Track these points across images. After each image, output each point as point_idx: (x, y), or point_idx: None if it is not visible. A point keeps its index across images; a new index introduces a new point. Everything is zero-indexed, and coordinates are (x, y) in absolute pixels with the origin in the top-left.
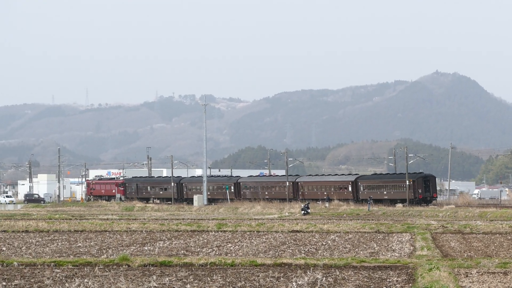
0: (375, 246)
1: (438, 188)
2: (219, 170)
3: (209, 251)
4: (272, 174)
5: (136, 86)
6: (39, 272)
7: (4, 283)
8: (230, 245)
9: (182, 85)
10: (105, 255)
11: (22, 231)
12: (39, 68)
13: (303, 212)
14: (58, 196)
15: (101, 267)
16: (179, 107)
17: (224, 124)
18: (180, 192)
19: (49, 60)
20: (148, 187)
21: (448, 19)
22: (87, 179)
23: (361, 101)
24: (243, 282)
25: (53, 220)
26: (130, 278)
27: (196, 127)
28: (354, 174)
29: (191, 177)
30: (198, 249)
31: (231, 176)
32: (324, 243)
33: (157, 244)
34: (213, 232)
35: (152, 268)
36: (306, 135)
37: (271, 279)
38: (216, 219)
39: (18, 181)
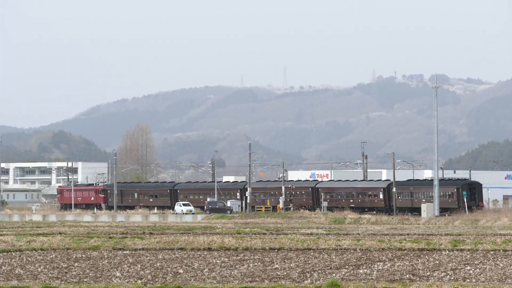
0: None
1: None
2: (454, 172)
3: (442, 275)
4: None
5: (347, 64)
6: None
7: None
8: (468, 267)
9: (406, 63)
10: (309, 280)
11: (204, 249)
12: (225, 45)
13: None
14: (248, 204)
15: None
16: (403, 91)
17: (460, 113)
18: (175, 199)
19: (237, 38)
20: (136, 194)
21: None
22: (59, 185)
23: None
24: None
25: (242, 235)
26: None
27: (424, 116)
28: None
29: (186, 182)
30: (428, 273)
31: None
32: None
33: (375, 266)
34: (447, 251)
35: None
36: None
37: None
38: (450, 235)
39: None
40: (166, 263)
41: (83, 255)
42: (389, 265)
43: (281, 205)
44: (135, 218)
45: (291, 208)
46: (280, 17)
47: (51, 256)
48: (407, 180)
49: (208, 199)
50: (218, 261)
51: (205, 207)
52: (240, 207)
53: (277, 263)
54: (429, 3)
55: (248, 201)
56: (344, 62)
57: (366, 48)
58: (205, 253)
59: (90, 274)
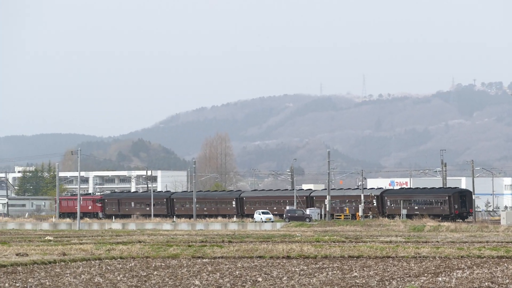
0: None
1: None
2: None
3: None
4: None
5: (426, 72)
6: None
7: None
8: None
9: (485, 70)
10: None
11: (283, 257)
12: (305, 54)
13: None
14: (328, 212)
15: None
16: (482, 98)
17: None
18: (171, 208)
19: (316, 47)
20: (132, 203)
21: None
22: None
23: None
24: None
25: (321, 243)
26: None
27: (503, 123)
28: None
29: (183, 192)
30: (507, 280)
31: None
32: None
33: (454, 273)
34: None
35: None
36: None
37: None
38: None
39: None
40: (245, 271)
41: (162, 264)
42: (468, 273)
43: (360, 213)
44: (214, 227)
45: (370, 216)
46: (359, 26)
47: (130, 265)
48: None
49: (287, 207)
50: (297, 269)
51: (284, 215)
52: (319, 215)
53: (356, 271)
54: (505, 11)
55: (327, 209)
56: (423, 70)
57: (445, 56)
58: (284, 261)
59: (169, 283)
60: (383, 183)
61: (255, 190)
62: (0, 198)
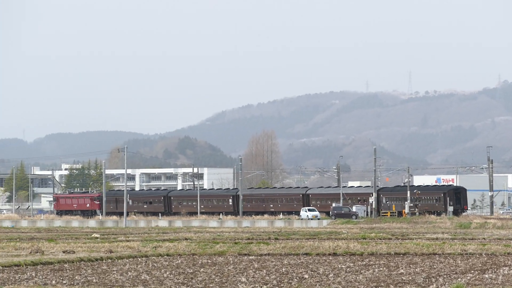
0: None
1: None
2: None
3: None
4: None
5: (472, 69)
6: None
7: None
8: None
9: None
10: (434, 285)
11: (329, 254)
12: (351, 52)
13: None
14: (374, 209)
15: None
16: None
17: None
18: (168, 206)
19: (362, 45)
20: (130, 201)
21: None
22: (55, 193)
23: None
24: None
25: (367, 240)
26: None
27: None
28: None
29: (180, 190)
30: None
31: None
32: None
33: (501, 270)
34: None
35: None
36: None
37: None
38: None
39: None
40: (291, 268)
41: (209, 261)
42: None
43: (406, 210)
44: (261, 224)
45: (416, 213)
46: (406, 24)
47: (177, 262)
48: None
49: (334, 205)
50: (343, 266)
51: (330, 212)
52: (365, 212)
53: (402, 268)
54: None
55: (373, 206)
56: (469, 67)
57: (492, 53)
58: (330, 258)
59: (216, 280)
60: (429, 180)
61: (251, 188)
62: (47, 195)
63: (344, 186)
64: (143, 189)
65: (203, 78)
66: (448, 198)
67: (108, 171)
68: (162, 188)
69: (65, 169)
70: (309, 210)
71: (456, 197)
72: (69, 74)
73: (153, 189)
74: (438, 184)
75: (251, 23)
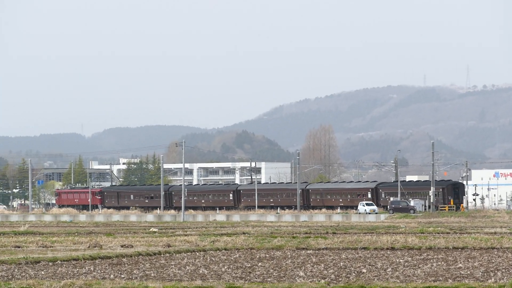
0: None
1: None
2: None
3: None
4: None
5: None
6: None
7: None
8: None
9: None
10: (492, 279)
11: (387, 249)
12: (409, 45)
13: None
14: (432, 203)
15: None
16: None
17: None
18: (169, 200)
19: (419, 41)
20: (132, 196)
21: None
22: (56, 188)
23: None
24: None
25: (425, 234)
26: None
27: None
28: None
29: (180, 185)
30: None
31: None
32: None
33: None
34: None
35: None
36: None
37: None
38: None
39: None
40: (349, 263)
41: (267, 255)
42: None
43: (464, 204)
44: (318, 218)
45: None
46: (464, 19)
47: (234, 256)
48: None
49: (392, 199)
50: (401, 260)
51: (388, 206)
52: (423, 206)
53: (460, 262)
54: None
55: (431, 201)
56: None
57: None
58: (388, 252)
59: (274, 274)
60: (487, 174)
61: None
62: None
63: (402, 181)
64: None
65: (261, 74)
66: (446, 193)
67: (166, 166)
68: (219, 183)
69: (123, 164)
70: (367, 204)
71: (455, 192)
72: (131, 72)
73: (211, 183)
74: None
75: (307, 21)
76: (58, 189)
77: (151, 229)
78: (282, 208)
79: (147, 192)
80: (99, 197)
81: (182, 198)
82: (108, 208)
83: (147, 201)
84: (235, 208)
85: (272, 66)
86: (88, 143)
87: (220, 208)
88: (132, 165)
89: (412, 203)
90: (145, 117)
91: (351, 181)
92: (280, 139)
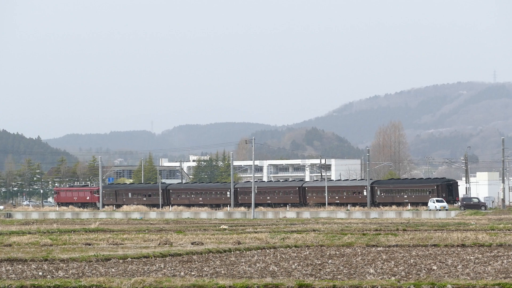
0: None
1: None
2: None
3: None
4: None
5: None
6: None
7: None
8: None
9: None
10: None
11: (457, 246)
12: (479, 41)
13: None
14: (503, 200)
15: None
16: None
17: None
18: (167, 198)
19: (491, 33)
20: (130, 194)
21: None
22: (55, 186)
23: None
24: None
25: (496, 231)
26: None
27: None
28: None
29: (178, 183)
30: None
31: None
32: None
33: None
34: None
35: None
36: None
37: None
38: None
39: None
40: (419, 260)
41: (337, 252)
42: None
43: None
44: (388, 215)
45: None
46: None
47: (305, 253)
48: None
49: (462, 195)
50: (471, 257)
51: (459, 203)
52: (494, 203)
53: None
54: None
55: (503, 198)
56: None
57: None
58: (459, 249)
59: (344, 271)
60: None
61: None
62: None
63: (292, 180)
64: (271, 180)
65: (331, 70)
66: (441, 190)
67: (235, 163)
68: (291, 179)
69: (193, 161)
70: (437, 201)
71: (449, 190)
72: (200, 70)
73: (281, 180)
74: (430, 177)
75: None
76: (56, 187)
77: (221, 226)
78: (349, 205)
79: (146, 191)
80: (97, 195)
81: (252, 195)
82: (178, 205)
83: (145, 199)
84: (302, 205)
85: (342, 63)
86: (158, 140)
87: (285, 205)
88: (202, 162)
89: (483, 200)
90: (215, 114)
91: (421, 178)
92: (349, 136)
